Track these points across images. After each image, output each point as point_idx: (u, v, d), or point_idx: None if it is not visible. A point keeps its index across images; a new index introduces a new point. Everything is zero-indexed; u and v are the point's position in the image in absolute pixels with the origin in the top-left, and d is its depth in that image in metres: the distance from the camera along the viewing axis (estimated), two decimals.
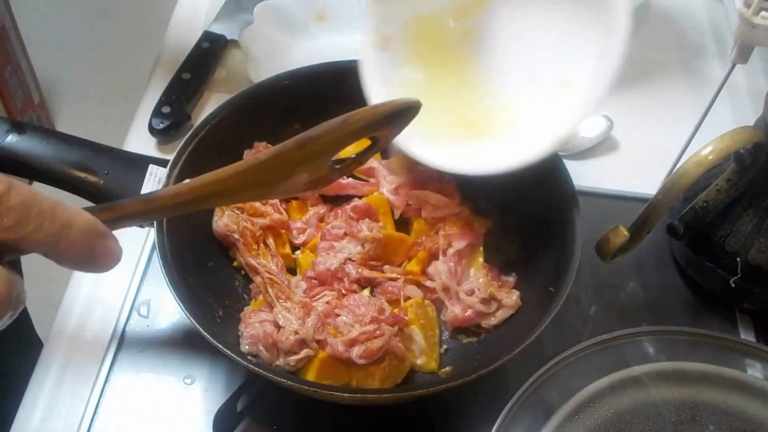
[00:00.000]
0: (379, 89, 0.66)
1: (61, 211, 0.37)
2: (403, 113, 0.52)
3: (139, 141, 0.83)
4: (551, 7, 0.64)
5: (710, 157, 0.60)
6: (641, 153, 0.85)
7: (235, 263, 0.69)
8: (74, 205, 0.39)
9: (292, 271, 0.69)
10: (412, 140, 0.64)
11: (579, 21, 0.61)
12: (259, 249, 0.67)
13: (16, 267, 0.38)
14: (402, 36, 0.68)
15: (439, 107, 0.66)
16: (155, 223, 0.62)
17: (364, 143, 0.54)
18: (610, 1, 0.57)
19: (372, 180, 0.73)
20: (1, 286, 0.36)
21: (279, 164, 0.48)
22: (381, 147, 0.56)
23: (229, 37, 0.92)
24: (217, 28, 0.93)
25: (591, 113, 0.61)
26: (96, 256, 0.39)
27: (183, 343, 0.68)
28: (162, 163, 0.67)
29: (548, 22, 0.65)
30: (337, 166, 0.54)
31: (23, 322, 0.95)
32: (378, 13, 0.67)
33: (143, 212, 0.45)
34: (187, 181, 0.46)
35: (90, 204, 0.67)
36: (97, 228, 0.39)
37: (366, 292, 0.66)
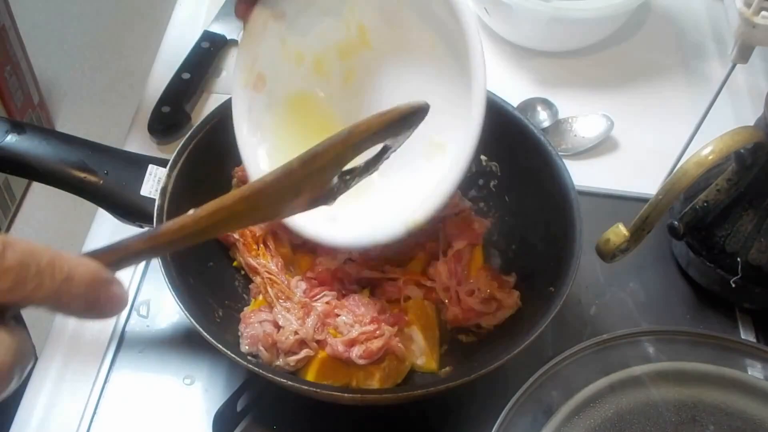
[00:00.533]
0: (247, 134, 0.63)
1: (60, 265, 0.36)
2: (411, 117, 0.50)
3: (139, 141, 0.83)
4: (431, 72, 0.61)
5: (710, 157, 0.60)
6: (641, 153, 0.85)
7: (235, 263, 0.69)
8: (74, 254, 0.37)
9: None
10: None
11: (453, 89, 0.57)
12: (259, 249, 0.67)
13: (19, 320, 0.37)
14: (277, 76, 0.64)
15: None
16: (155, 222, 0.62)
17: None
18: (472, 73, 0.53)
19: None
20: (4, 354, 0.34)
21: (284, 185, 0.46)
22: (392, 152, 0.54)
23: (229, 37, 0.92)
24: (217, 28, 0.93)
25: (459, 180, 0.55)
26: (101, 306, 0.38)
27: (183, 343, 0.68)
28: (162, 163, 0.67)
29: (428, 85, 0.61)
30: (347, 177, 0.52)
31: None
32: (253, 48, 0.62)
33: (149, 249, 0.43)
34: (190, 211, 0.45)
35: (89, 204, 0.67)
36: (101, 276, 0.38)
37: (366, 292, 0.66)
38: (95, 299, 0.37)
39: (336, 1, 0.62)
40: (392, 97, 0.62)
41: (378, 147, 0.53)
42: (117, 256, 0.41)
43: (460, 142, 0.54)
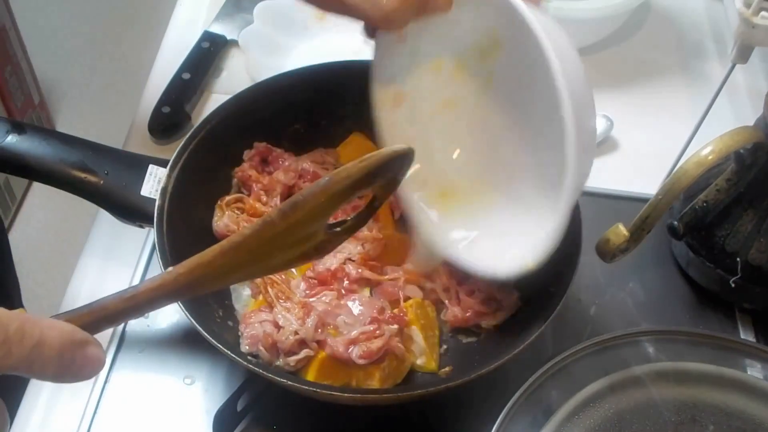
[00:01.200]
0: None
1: (30, 331, 0.35)
2: (394, 163, 0.47)
3: (139, 141, 0.83)
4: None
5: (710, 157, 0.60)
6: (641, 153, 0.85)
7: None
8: (45, 318, 0.37)
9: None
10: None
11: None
12: None
13: None
14: (418, 90, 0.62)
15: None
16: (155, 223, 0.62)
17: None
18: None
19: None
20: None
21: (266, 238, 0.44)
22: (381, 203, 0.51)
23: (229, 37, 0.92)
24: (217, 29, 0.93)
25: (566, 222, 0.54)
26: (77, 368, 0.37)
27: (183, 343, 0.68)
28: (162, 163, 0.67)
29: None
30: (337, 229, 0.50)
31: None
32: (388, 64, 0.60)
33: (129, 309, 0.42)
34: (170, 269, 0.43)
35: (89, 204, 0.67)
36: (75, 338, 0.37)
37: (366, 292, 0.66)
38: (70, 362, 0.37)
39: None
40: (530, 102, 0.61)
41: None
42: (94, 317, 0.40)
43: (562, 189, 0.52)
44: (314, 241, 0.48)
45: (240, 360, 0.56)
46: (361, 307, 0.63)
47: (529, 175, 0.61)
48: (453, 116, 0.64)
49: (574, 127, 0.49)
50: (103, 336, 0.68)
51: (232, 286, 0.68)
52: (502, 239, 0.60)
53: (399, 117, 0.63)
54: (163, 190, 0.64)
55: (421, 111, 0.63)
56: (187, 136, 0.67)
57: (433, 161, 0.64)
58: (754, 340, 0.70)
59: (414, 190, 0.63)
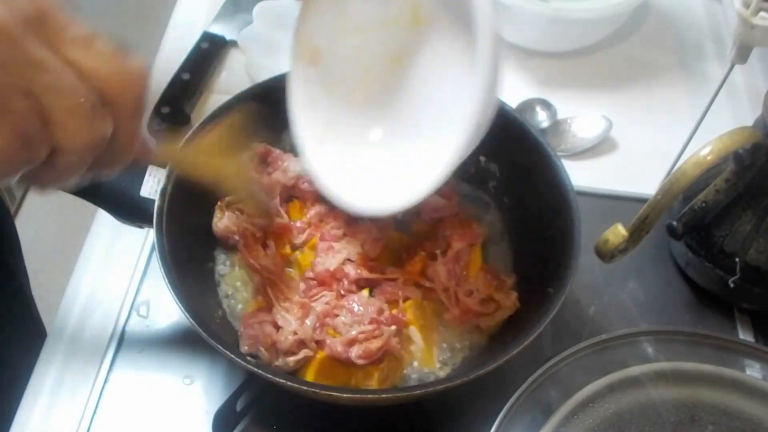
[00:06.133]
0: (303, 109, 0.65)
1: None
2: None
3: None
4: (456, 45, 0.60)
5: (709, 158, 0.60)
6: (640, 153, 0.85)
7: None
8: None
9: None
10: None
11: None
12: (259, 249, 0.67)
13: None
14: (334, 51, 0.64)
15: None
16: (154, 223, 0.62)
17: None
18: (477, 42, 0.52)
19: None
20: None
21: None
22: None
23: (228, 37, 0.92)
24: (217, 29, 0.93)
25: (462, 154, 0.55)
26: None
27: (182, 343, 0.68)
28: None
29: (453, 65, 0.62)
30: None
31: (27, 314, 0.95)
32: (310, 22, 0.63)
33: None
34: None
35: (89, 204, 0.67)
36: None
37: (365, 292, 0.66)
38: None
39: None
40: (427, 79, 0.64)
41: None
42: None
43: (467, 113, 0.54)
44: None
45: (239, 360, 0.56)
46: (360, 308, 0.63)
47: (433, 114, 0.63)
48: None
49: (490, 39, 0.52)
50: (103, 336, 0.69)
51: (231, 287, 0.68)
52: (394, 177, 0.63)
53: (313, 75, 0.65)
54: (163, 191, 0.64)
55: (335, 73, 0.65)
56: (187, 136, 0.67)
57: (339, 123, 0.66)
58: (753, 340, 0.71)
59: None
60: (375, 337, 0.61)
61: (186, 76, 0.87)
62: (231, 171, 0.61)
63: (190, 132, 0.67)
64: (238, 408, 0.63)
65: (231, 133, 0.63)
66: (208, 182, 0.60)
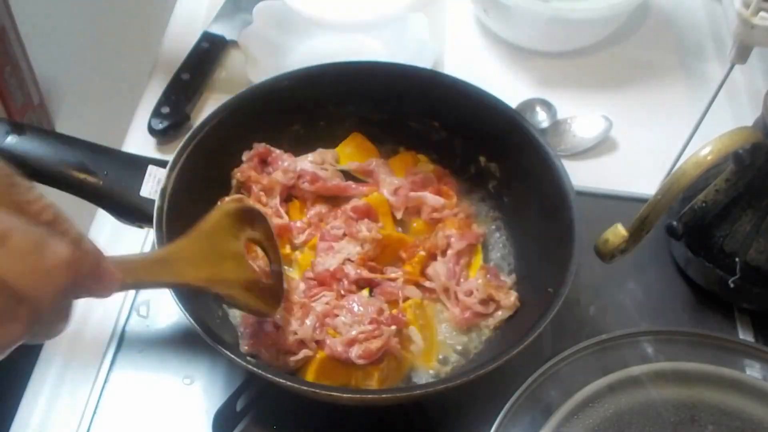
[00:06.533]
0: None
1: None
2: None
3: (139, 142, 0.83)
4: None
5: (709, 158, 0.60)
6: (640, 153, 0.85)
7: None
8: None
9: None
10: None
11: None
12: (258, 250, 0.67)
13: None
14: None
15: None
16: (154, 224, 0.62)
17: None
18: None
19: (371, 181, 0.73)
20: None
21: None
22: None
23: (228, 37, 0.92)
24: (217, 29, 0.93)
25: None
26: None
27: (182, 343, 0.68)
28: (161, 163, 0.67)
29: None
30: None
31: None
32: None
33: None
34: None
35: (89, 204, 0.67)
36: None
37: (365, 292, 0.66)
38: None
39: None
40: None
41: None
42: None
43: None
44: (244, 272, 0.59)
45: (239, 360, 0.56)
46: (360, 308, 0.63)
47: None
48: None
49: None
50: (103, 336, 0.69)
51: None
52: None
53: None
54: (163, 191, 0.64)
55: None
56: (187, 136, 0.67)
57: None
58: (752, 340, 0.70)
59: None
60: (375, 337, 0.61)
61: (186, 76, 0.87)
62: (218, 278, 0.57)
63: (189, 132, 0.68)
64: (238, 408, 0.63)
65: (219, 228, 0.58)
66: (197, 288, 0.56)
